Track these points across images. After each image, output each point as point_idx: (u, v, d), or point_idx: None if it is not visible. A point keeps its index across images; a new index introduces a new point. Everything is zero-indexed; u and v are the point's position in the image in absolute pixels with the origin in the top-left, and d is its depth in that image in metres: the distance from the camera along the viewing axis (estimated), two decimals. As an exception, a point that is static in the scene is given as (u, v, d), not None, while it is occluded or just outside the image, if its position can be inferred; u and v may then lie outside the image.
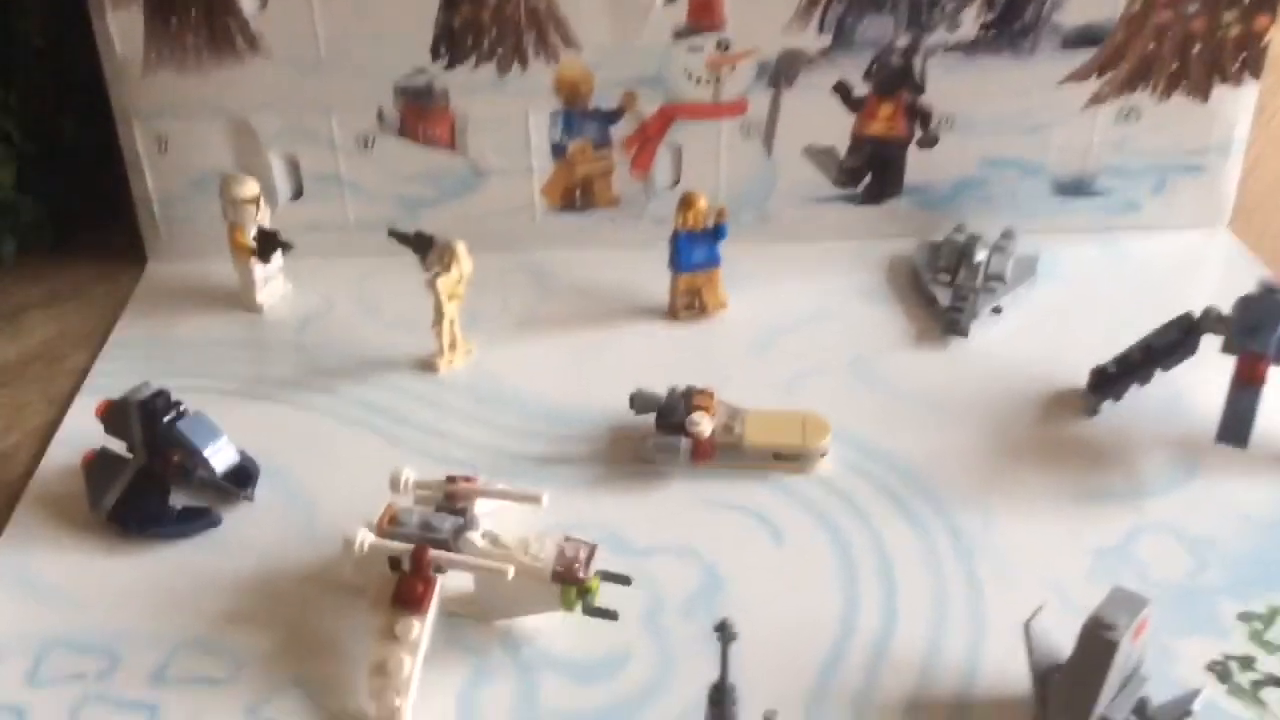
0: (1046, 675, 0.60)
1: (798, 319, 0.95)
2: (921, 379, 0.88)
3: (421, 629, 0.63)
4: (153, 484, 0.74)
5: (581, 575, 0.64)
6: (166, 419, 0.74)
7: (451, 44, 0.95)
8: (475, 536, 0.66)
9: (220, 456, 0.75)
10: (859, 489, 0.77)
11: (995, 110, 0.99)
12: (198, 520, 0.74)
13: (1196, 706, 0.59)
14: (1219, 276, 1.01)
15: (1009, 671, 0.63)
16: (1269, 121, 1.21)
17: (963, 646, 0.66)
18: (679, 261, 0.92)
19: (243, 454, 0.77)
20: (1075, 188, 1.03)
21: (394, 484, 0.70)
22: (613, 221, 1.04)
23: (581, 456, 0.81)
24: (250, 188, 0.92)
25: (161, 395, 0.75)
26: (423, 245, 0.87)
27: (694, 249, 0.92)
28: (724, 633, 0.50)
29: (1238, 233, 1.05)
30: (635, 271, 0.99)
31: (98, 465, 0.75)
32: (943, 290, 0.94)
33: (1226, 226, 1.05)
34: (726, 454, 0.78)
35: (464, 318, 0.90)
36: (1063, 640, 0.60)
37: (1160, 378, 0.82)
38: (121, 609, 0.69)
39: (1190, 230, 1.04)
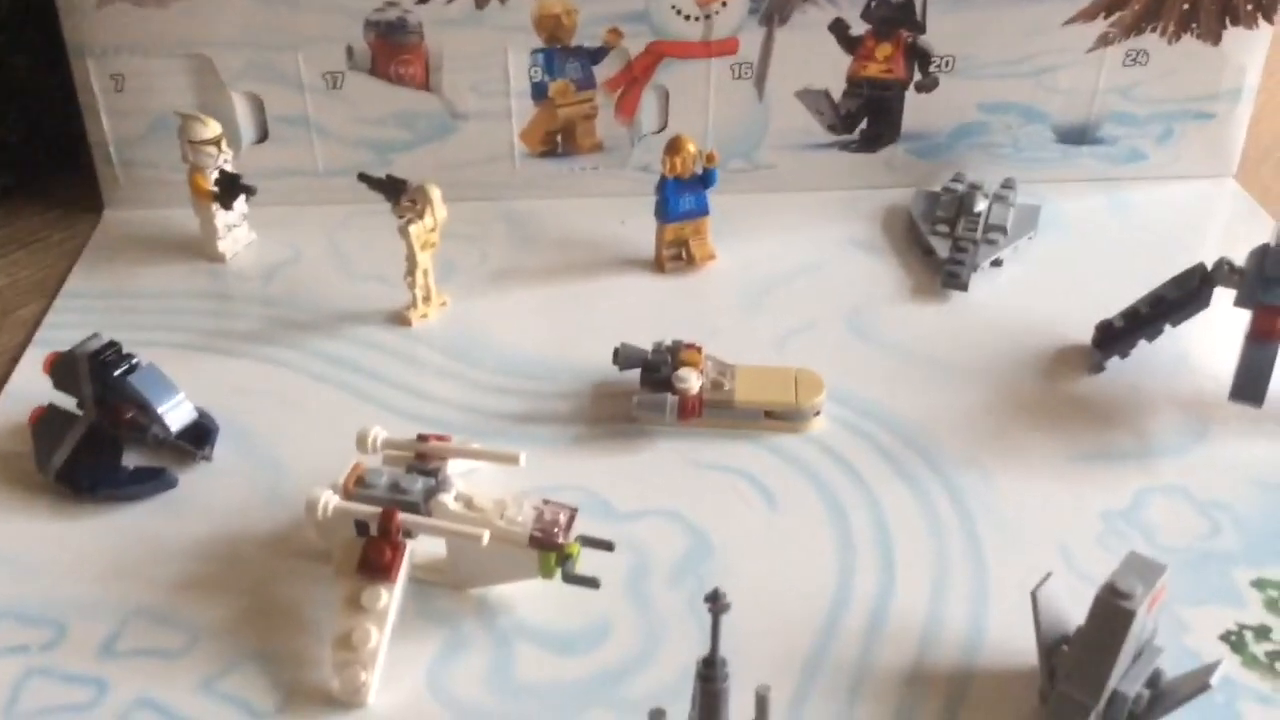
0: (1054, 646, 0.57)
1: (789, 271, 0.91)
2: (919, 334, 0.84)
3: (389, 598, 0.59)
4: (104, 442, 0.70)
5: (561, 540, 0.60)
6: (117, 373, 0.69)
7: None
8: (448, 499, 0.62)
9: (176, 413, 0.70)
10: (854, 449, 0.74)
11: (998, 51, 0.95)
12: (152, 481, 0.70)
13: (1214, 681, 0.55)
14: (1226, 228, 0.98)
15: (1014, 641, 0.60)
16: (1278, 68, 1.16)
17: (964, 615, 0.63)
18: (666, 210, 0.88)
19: (200, 411, 0.73)
20: (1079, 135, 0.99)
21: (361, 443, 0.66)
22: (596, 169, 0.99)
23: (562, 415, 0.77)
24: (211, 128, 0.87)
25: (112, 347, 0.70)
26: (394, 190, 0.82)
27: (682, 197, 0.88)
28: (715, 603, 0.46)
29: (1245, 183, 1.01)
30: (619, 220, 0.95)
31: (45, 423, 0.71)
32: (941, 242, 0.90)
33: (1234, 177, 1.02)
34: (715, 412, 0.74)
35: (438, 269, 0.86)
36: (1071, 608, 0.57)
37: (1169, 333, 0.78)
38: (69, 576, 0.65)
39: (1197, 180, 1.01)
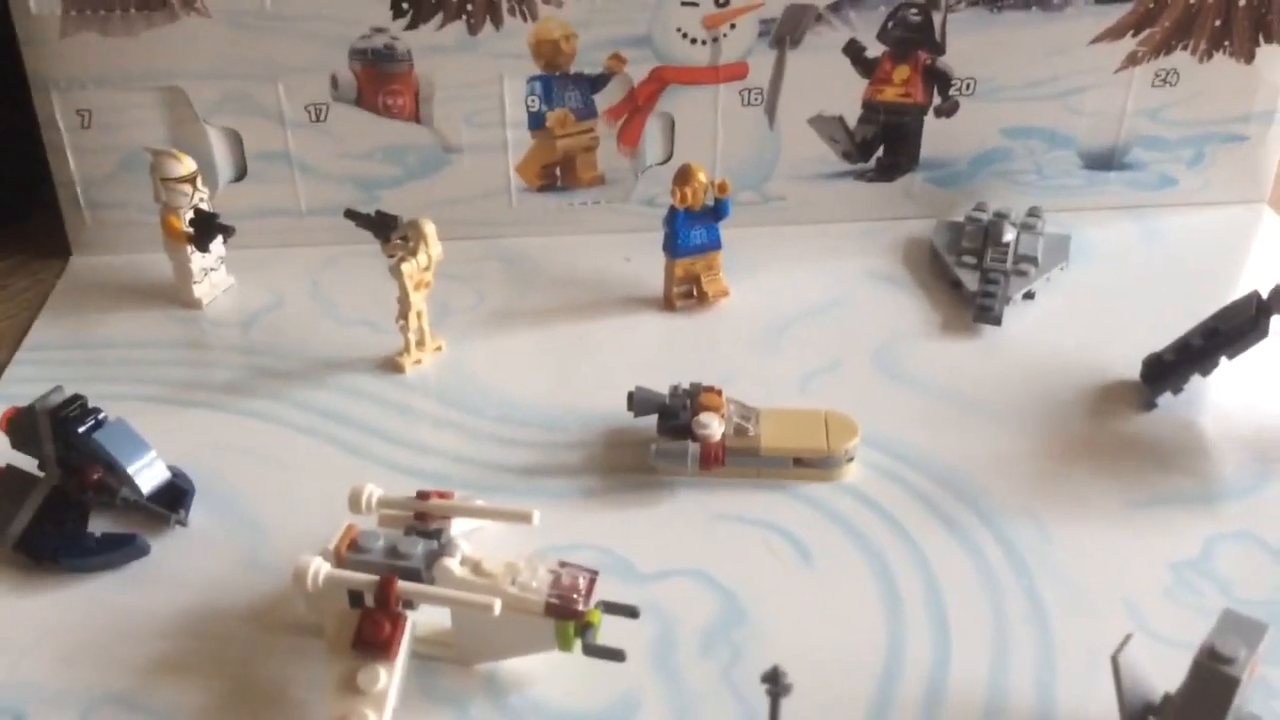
0: (1140, 718, 0.51)
1: (808, 308, 0.86)
2: (953, 372, 0.79)
3: (389, 679, 0.53)
4: (68, 507, 0.65)
5: (581, 608, 0.55)
6: (82, 429, 0.64)
7: (415, 1, 0.87)
8: (453, 563, 0.56)
9: (147, 473, 0.66)
10: (893, 498, 0.69)
11: (1021, 73, 0.92)
12: (121, 549, 0.65)
13: (1330, 756, 0.49)
14: (1264, 255, 0.94)
15: (1088, 712, 0.54)
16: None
17: (1030, 684, 0.57)
18: (676, 245, 0.84)
19: (174, 470, 0.68)
20: (1106, 161, 0.96)
21: (354, 502, 0.61)
22: (598, 203, 0.96)
23: (572, 466, 0.71)
24: (185, 165, 0.83)
25: (76, 402, 0.66)
26: (385, 227, 0.79)
27: (692, 229, 0.84)
28: (775, 685, 0.40)
29: (1278, 209, 0.98)
30: (624, 257, 0.92)
31: (4, 485, 0.66)
32: (969, 274, 0.86)
33: (1267, 202, 0.98)
34: (740, 460, 0.69)
35: (433, 311, 0.81)
36: (1153, 673, 0.51)
37: (1225, 365, 0.73)
38: (29, 657, 0.60)
39: (1230, 206, 0.98)
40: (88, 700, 0.57)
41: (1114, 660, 0.52)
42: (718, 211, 0.83)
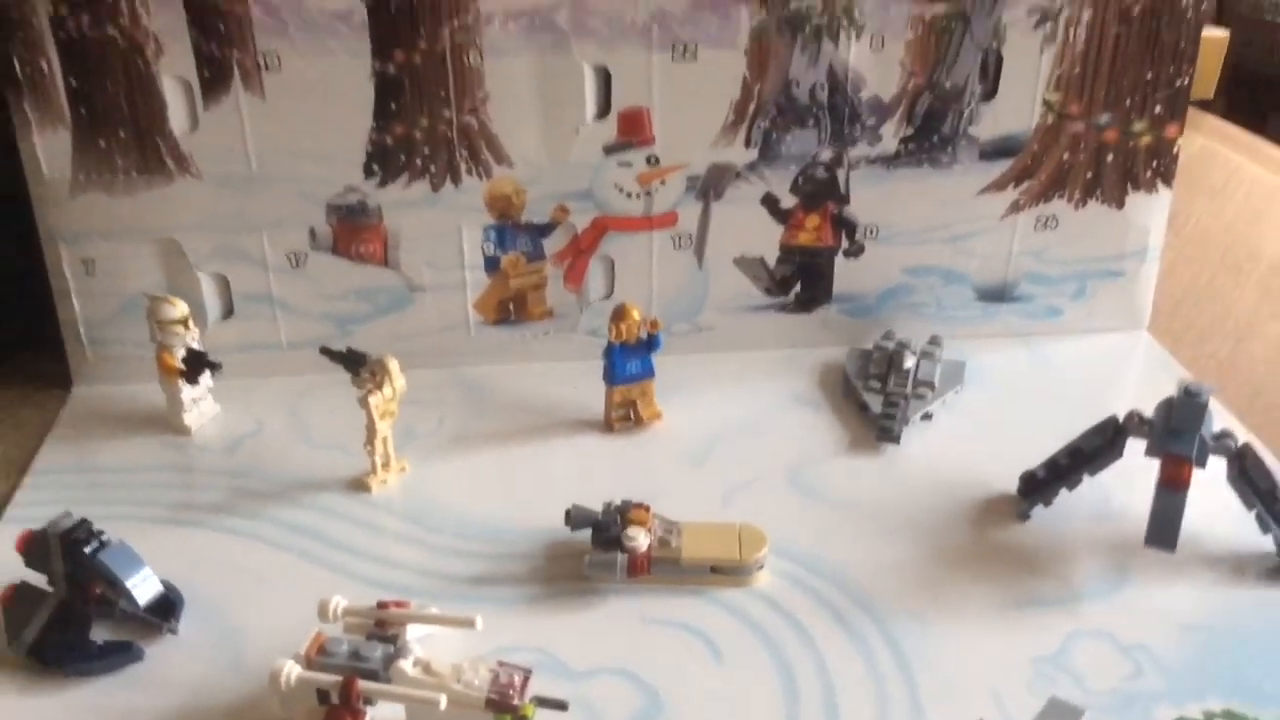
0: (989, 790, 0.60)
1: (732, 429, 0.95)
2: (856, 488, 0.88)
3: (352, 765, 0.61)
4: (74, 618, 0.72)
5: (516, 702, 0.63)
6: (88, 550, 0.72)
7: (384, 162, 0.97)
8: (406, 665, 0.64)
9: (143, 588, 0.73)
10: (798, 603, 0.77)
11: (918, 220, 1.02)
12: (119, 655, 0.72)
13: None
14: (1141, 378, 1.04)
15: None
16: (1182, 228, 1.25)
17: (905, 762, 0.65)
18: (614, 374, 0.93)
19: (166, 584, 0.75)
20: (997, 294, 1.06)
21: (322, 612, 0.69)
22: (547, 335, 1.04)
23: (517, 575, 0.79)
24: (178, 309, 0.91)
25: (83, 525, 0.73)
26: (354, 363, 0.86)
27: (628, 361, 0.93)
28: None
29: (1157, 334, 1.08)
30: (570, 385, 1.00)
31: (17, 600, 0.73)
32: (874, 397, 0.96)
33: (1146, 329, 1.09)
34: (663, 568, 0.77)
35: (397, 435, 0.89)
36: None
37: (1088, 481, 0.83)
38: (38, 751, 0.67)
39: (1111, 334, 1.08)
40: None
41: (965, 742, 0.62)
42: (650, 344, 0.92)
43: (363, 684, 0.62)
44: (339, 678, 0.63)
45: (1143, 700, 0.69)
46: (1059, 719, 0.58)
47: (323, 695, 0.63)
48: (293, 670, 0.63)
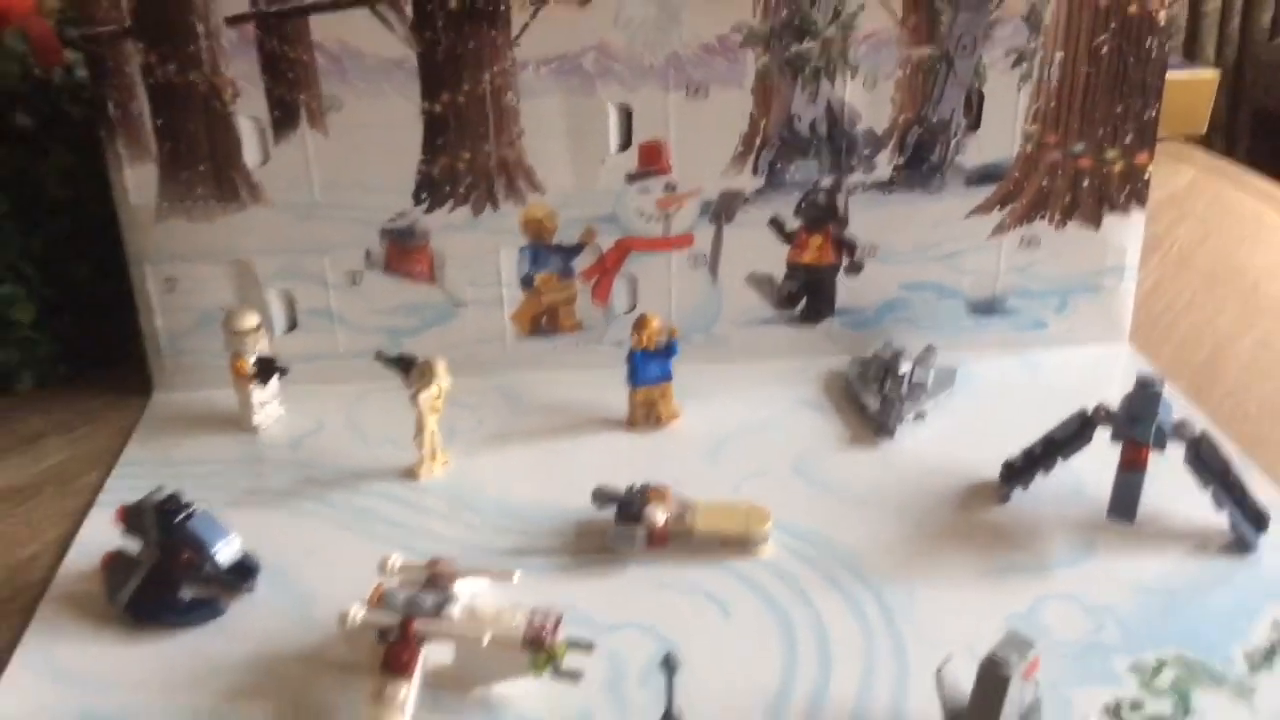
0: (956, 715, 0.69)
1: (743, 428, 1.04)
2: (854, 476, 0.97)
3: (408, 690, 0.70)
4: (164, 579, 0.81)
5: (548, 641, 0.72)
6: (179, 519, 0.82)
7: (431, 190, 1.06)
8: (454, 610, 0.74)
9: (225, 552, 0.82)
10: (798, 570, 0.86)
11: (912, 240, 1.11)
12: (204, 611, 0.82)
13: (1082, 734, 0.68)
14: (1120, 384, 1.10)
15: (929, 716, 0.71)
16: (1169, 250, 1.35)
17: (887, 699, 0.74)
18: (635, 377, 1.02)
19: (245, 553, 0.84)
20: (987, 308, 1.14)
21: (382, 568, 0.78)
22: (576, 345, 1.13)
23: (549, 548, 0.89)
24: (251, 319, 1.01)
25: (174, 498, 0.82)
26: (406, 365, 0.96)
27: (649, 365, 1.02)
28: (668, 665, 0.59)
29: (1140, 346, 1.17)
30: (597, 389, 1.08)
31: (115, 564, 0.83)
32: (872, 399, 1.04)
33: (1128, 341, 1.17)
34: (679, 541, 0.87)
35: (443, 433, 0.98)
36: (966, 685, 0.68)
37: (1061, 466, 0.92)
38: (138, 689, 0.76)
39: (1093, 345, 1.16)
40: (182, 717, 0.73)
41: (937, 673, 0.70)
42: (669, 351, 1.01)
43: (417, 623, 0.72)
44: (397, 619, 0.73)
45: (1102, 650, 0.78)
46: (1013, 648, 0.67)
47: (382, 635, 0.72)
48: (358, 612, 0.73)
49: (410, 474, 0.98)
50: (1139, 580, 0.84)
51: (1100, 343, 1.16)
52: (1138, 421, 0.87)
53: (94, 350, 1.16)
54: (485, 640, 0.72)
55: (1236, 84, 3.41)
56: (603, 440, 1.03)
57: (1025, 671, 0.66)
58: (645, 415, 1.04)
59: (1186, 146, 1.71)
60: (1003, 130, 1.08)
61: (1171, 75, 1.64)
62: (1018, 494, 0.93)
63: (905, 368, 1.06)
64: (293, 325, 1.11)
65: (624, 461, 0.99)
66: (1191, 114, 1.70)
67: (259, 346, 1.03)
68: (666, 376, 1.03)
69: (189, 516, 0.82)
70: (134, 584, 0.81)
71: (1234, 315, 1.24)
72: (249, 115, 1.03)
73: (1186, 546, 0.88)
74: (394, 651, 0.72)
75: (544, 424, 1.06)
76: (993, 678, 0.65)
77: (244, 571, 0.84)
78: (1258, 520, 0.87)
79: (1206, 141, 1.87)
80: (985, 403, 1.07)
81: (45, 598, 0.85)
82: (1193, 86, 1.69)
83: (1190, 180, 1.58)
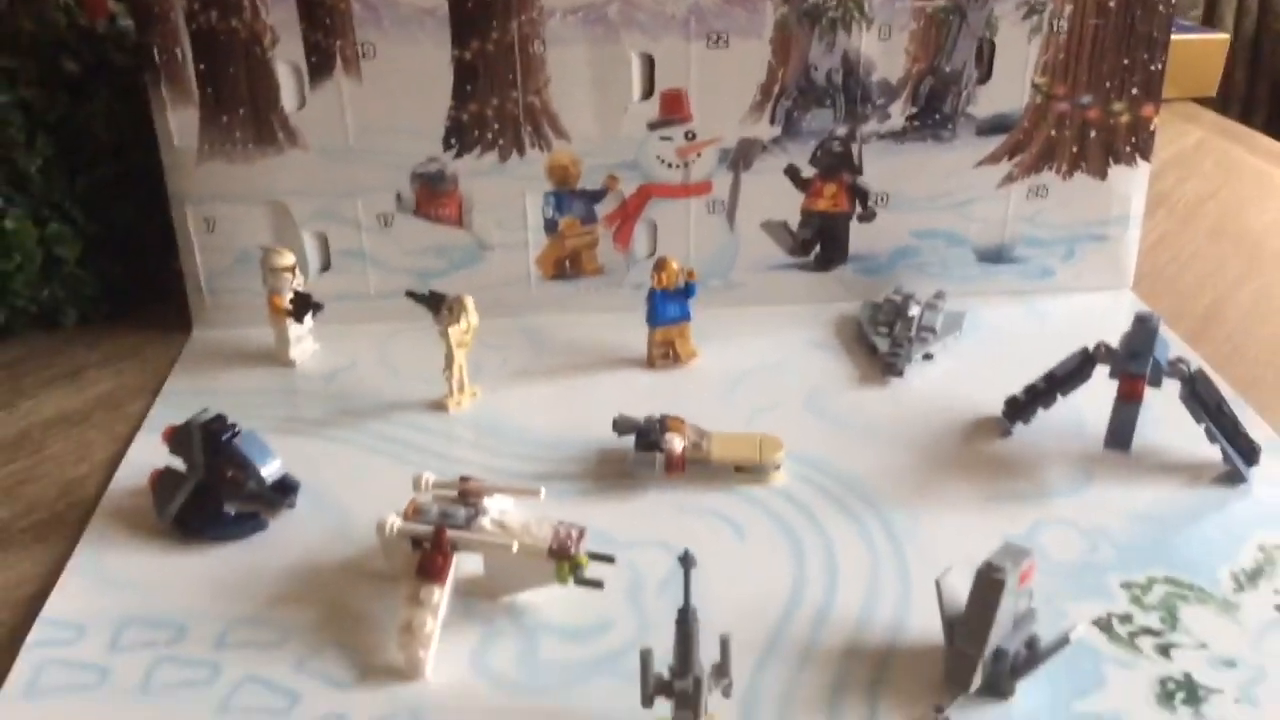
0: (954, 620, 0.73)
1: (758, 367, 1.08)
2: (863, 411, 1.01)
3: (441, 594, 0.75)
4: (210, 494, 0.86)
5: (573, 551, 0.76)
6: (225, 437, 0.86)
7: (460, 136, 1.10)
8: (485, 521, 0.79)
9: (269, 469, 0.87)
10: (808, 496, 0.90)
11: (923, 189, 1.15)
12: (247, 524, 0.87)
13: (1073, 637, 0.72)
14: (1122, 330, 1.15)
15: (928, 626, 0.75)
16: (1175, 205, 1.39)
17: (891, 610, 0.78)
18: (655, 316, 1.07)
19: (285, 470, 0.89)
20: (996, 256, 1.18)
21: (416, 484, 0.82)
22: (598, 288, 1.18)
23: (572, 474, 0.93)
24: (287, 258, 1.05)
25: (219, 418, 0.87)
26: (436, 302, 1.00)
27: (668, 305, 1.06)
28: (685, 561, 0.64)
29: (1144, 295, 1.21)
30: (618, 330, 1.12)
31: (163, 480, 0.87)
32: (882, 340, 1.09)
33: (1131, 289, 1.21)
34: (695, 468, 0.91)
35: (469, 369, 1.03)
36: (964, 594, 0.72)
37: (1062, 403, 0.96)
38: (185, 594, 0.81)
39: (1099, 292, 1.20)
40: (228, 619, 0.78)
41: (936, 582, 0.75)
42: (687, 291, 1.05)
43: (450, 532, 0.77)
44: (431, 527, 0.78)
45: (1096, 569, 0.82)
46: (1010, 557, 0.71)
47: (417, 543, 0.77)
48: (395, 522, 0.78)
49: (439, 406, 1.02)
50: (1134, 508, 0.89)
51: (1105, 291, 1.20)
52: (1135, 356, 0.91)
53: (136, 289, 1.21)
54: (514, 548, 0.76)
55: (1255, 55, 3.41)
56: (623, 377, 1.08)
57: (1020, 578, 0.71)
58: (664, 354, 1.08)
59: (1196, 107, 1.74)
60: (1013, 82, 1.12)
61: (1182, 37, 1.68)
62: (1020, 428, 0.98)
63: (915, 311, 1.10)
64: (326, 266, 1.16)
65: (643, 397, 1.03)
66: (1202, 76, 1.72)
67: (295, 283, 1.07)
68: (685, 316, 1.07)
69: (234, 435, 0.87)
70: (181, 499, 0.86)
71: (1236, 268, 1.27)
72: (287, 61, 1.07)
73: (1181, 478, 0.92)
74: (428, 558, 0.77)
75: (567, 362, 1.10)
76: (988, 582, 0.70)
77: (285, 488, 0.89)
78: (1249, 454, 0.91)
79: (1220, 108, 1.90)
80: (991, 346, 1.11)
81: (96, 512, 0.91)
82: (1203, 48, 1.71)
83: (1199, 140, 1.61)
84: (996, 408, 0.99)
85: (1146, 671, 0.74)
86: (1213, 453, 0.92)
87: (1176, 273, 1.27)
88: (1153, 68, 1.11)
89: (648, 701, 0.66)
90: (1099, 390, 0.93)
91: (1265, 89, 3.41)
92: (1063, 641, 0.72)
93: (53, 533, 0.89)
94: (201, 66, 1.07)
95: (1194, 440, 0.93)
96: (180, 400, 1.05)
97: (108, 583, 0.83)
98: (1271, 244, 1.32)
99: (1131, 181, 1.16)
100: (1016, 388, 0.98)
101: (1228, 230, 1.36)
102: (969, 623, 0.71)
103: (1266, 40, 3.41)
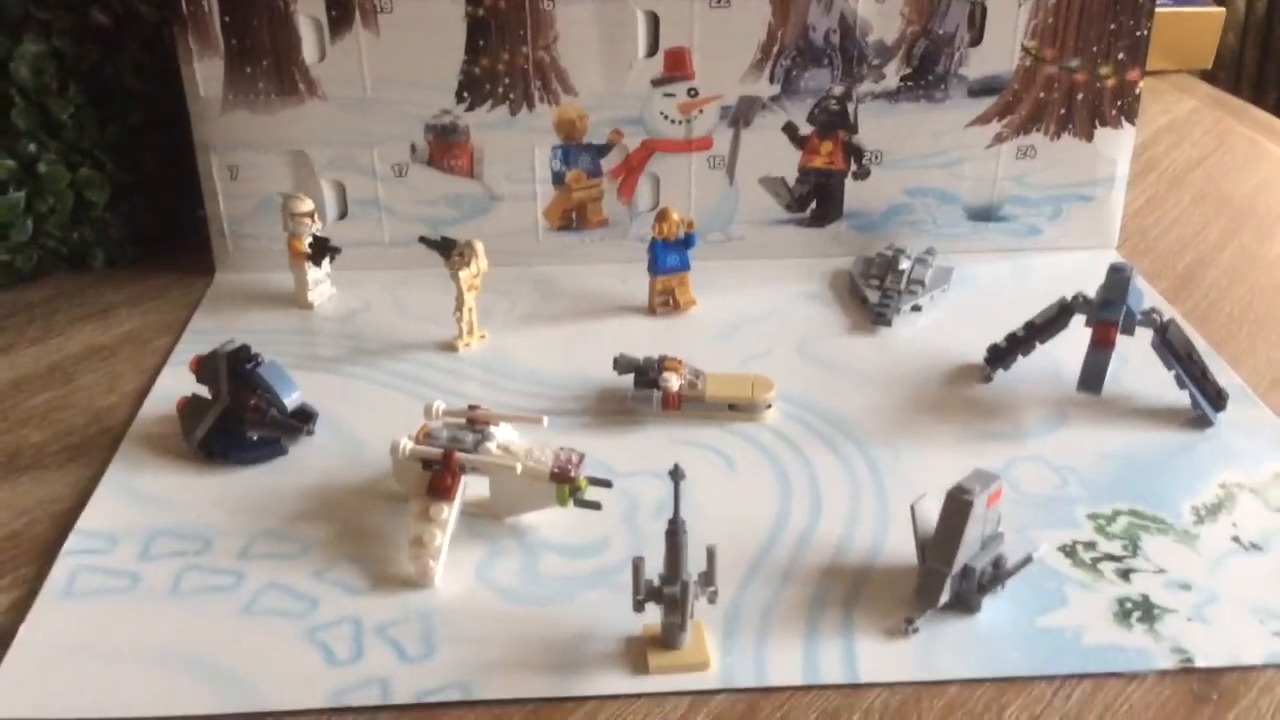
0: (926, 542, 0.79)
1: (754, 316, 1.13)
2: (852, 357, 1.06)
3: (450, 511, 0.80)
4: (234, 420, 0.91)
5: (573, 474, 0.82)
6: (249, 366, 0.92)
7: (472, 90, 1.15)
8: (491, 446, 0.84)
9: (290, 398, 0.92)
10: (796, 432, 0.95)
11: (916, 148, 1.19)
12: (269, 448, 0.92)
13: (1037, 556, 0.78)
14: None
15: (903, 549, 0.81)
16: (1165, 171, 1.43)
17: (869, 535, 0.84)
18: (656, 265, 1.12)
19: (305, 400, 0.94)
20: (985, 214, 1.23)
21: (427, 412, 0.88)
22: (602, 240, 1.22)
23: (574, 409, 0.99)
24: (307, 204, 1.10)
25: (245, 348, 0.92)
26: (447, 247, 1.05)
27: (668, 255, 1.11)
28: (675, 474, 0.69)
29: (1128, 254, 1.25)
30: (621, 280, 1.18)
31: (189, 407, 0.93)
32: (872, 292, 1.13)
33: (1116, 249, 1.26)
34: (691, 405, 0.96)
35: (478, 314, 1.08)
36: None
37: (1041, 352, 1.01)
38: (211, 511, 0.87)
39: (1084, 251, 1.24)
40: (251, 533, 0.84)
41: (911, 507, 0.80)
42: (687, 242, 1.10)
43: (458, 454, 0.83)
44: (441, 449, 0.83)
45: (1064, 502, 0.88)
46: (978, 481, 0.76)
47: (427, 464, 0.83)
48: (407, 444, 0.84)
49: (449, 346, 1.08)
50: (1104, 448, 0.94)
51: (1090, 250, 1.24)
52: (1108, 304, 0.95)
53: (162, 233, 1.26)
54: (518, 470, 0.82)
55: (1266, 35, 3.43)
56: (624, 323, 1.13)
57: (988, 501, 0.76)
58: (664, 302, 1.13)
59: (1191, 79, 1.78)
60: (1003, 45, 1.16)
61: (1178, 10, 1.72)
62: (1000, 374, 1.03)
63: (905, 264, 1.15)
64: (344, 214, 1.20)
65: (643, 341, 1.07)
66: (1197, 48, 1.76)
67: (314, 228, 1.12)
68: (685, 266, 1.12)
69: (258, 365, 0.92)
70: (206, 424, 0.92)
71: (1218, 230, 1.32)
72: (308, 14, 1.11)
73: (1151, 422, 0.97)
74: (439, 477, 0.82)
75: (571, 308, 1.15)
76: (957, 503, 0.75)
77: (305, 416, 0.94)
78: (1217, 400, 0.96)
79: (1232, 88, 1.92)
80: (977, 299, 1.16)
81: (126, 438, 0.96)
82: (1198, 20, 1.75)
83: (1191, 109, 1.65)
84: (979, 356, 1.04)
85: (1106, 593, 0.79)
86: (1183, 399, 0.97)
87: (1160, 234, 1.31)
88: (1138, 33, 1.15)
89: (638, 607, 0.72)
90: (1077, 339, 0.98)
91: (1275, 68, 3.43)
92: (1026, 560, 0.78)
93: (84, 455, 0.94)
94: (226, 19, 1.11)
95: (1165, 387, 0.98)
96: (204, 338, 1.09)
97: (138, 499, 0.89)
98: (1254, 208, 1.37)
99: (1118, 144, 1.21)
100: (999, 337, 1.03)
101: (1213, 195, 1.40)
102: (939, 542, 0.76)
103: (1278, 20, 3.42)
